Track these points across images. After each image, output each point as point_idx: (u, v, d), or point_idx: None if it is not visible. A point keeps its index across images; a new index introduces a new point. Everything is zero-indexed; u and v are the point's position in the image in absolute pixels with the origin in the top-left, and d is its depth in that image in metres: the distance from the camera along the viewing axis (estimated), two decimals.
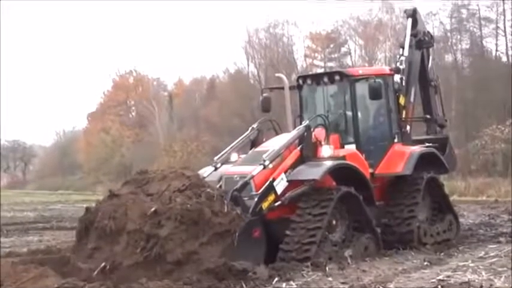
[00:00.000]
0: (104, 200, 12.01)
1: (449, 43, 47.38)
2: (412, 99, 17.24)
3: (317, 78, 15.83)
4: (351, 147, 15.00)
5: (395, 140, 15.92)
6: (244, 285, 10.90)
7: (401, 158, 15.52)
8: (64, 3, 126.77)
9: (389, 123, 15.88)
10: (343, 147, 14.92)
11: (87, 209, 11.96)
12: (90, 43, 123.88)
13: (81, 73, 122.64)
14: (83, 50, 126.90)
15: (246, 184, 12.80)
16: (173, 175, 12.08)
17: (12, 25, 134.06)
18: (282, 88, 16.32)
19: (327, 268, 12.18)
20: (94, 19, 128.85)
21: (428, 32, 18.58)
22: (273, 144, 14.07)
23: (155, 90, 78.04)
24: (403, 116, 16.55)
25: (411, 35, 17.65)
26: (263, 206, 12.74)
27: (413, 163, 15.41)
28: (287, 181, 13.20)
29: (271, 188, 12.96)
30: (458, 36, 47.74)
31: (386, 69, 16.69)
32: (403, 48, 17.46)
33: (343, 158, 14.22)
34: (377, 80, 14.87)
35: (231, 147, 14.67)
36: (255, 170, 13.07)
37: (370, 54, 51.28)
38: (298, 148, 13.92)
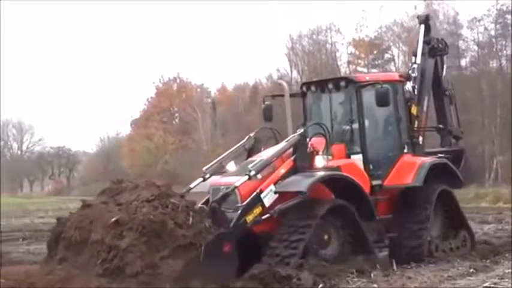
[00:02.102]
0: (77, 210, 11.68)
1: (494, 49, 46.43)
2: (425, 108, 16.48)
3: (322, 85, 15.09)
4: (358, 158, 14.27)
5: (405, 151, 15.09)
6: None
7: (411, 169, 14.67)
8: (109, 10, 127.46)
9: (399, 132, 15.07)
10: (349, 157, 14.24)
11: (58, 220, 11.70)
12: (134, 49, 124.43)
13: (125, 80, 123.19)
14: (127, 56, 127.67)
15: (226, 195, 12.13)
16: (144, 185, 11.57)
17: (58, 28, 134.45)
18: (293, 96, 15.82)
19: (372, 275, 12.19)
20: (138, 25, 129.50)
21: (442, 39, 17.80)
22: (267, 153, 13.43)
23: (199, 97, 78.12)
24: (415, 126, 15.77)
25: (424, 42, 16.93)
26: (247, 219, 12.10)
27: (424, 174, 14.55)
28: (274, 192, 12.50)
29: (257, 200, 12.31)
30: (504, 42, 46.54)
31: (396, 75, 15.99)
32: (416, 55, 16.78)
33: (338, 168, 13.50)
34: (384, 85, 14.01)
35: (222, 157, 13.98)
36: (239, 180, 12.42)
37: (411, 60, 50.62)
38: (292, 158, 13.24)
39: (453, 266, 13.41)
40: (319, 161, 13.42)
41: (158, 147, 76.13)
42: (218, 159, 13.89)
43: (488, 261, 13.94)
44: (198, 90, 79.92)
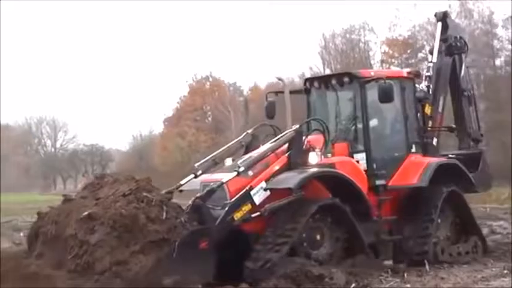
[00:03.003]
0: (59, 205, 11.39)
1: None
2: (440, 109, 15.96)
3: (325, 81, 14.66)
4: (361, 157, 13.79)
5: (413, 150, 14.52)
6: None
7: (418, 169, 14.12)
8: (143, 8, 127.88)
9: (406, 131, 14.49)
10: (352, 156, 13.76)
11: (39, 214, 11.36)
12: (168, 47, 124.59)
13: (158, 77, 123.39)
14: (161, 54, 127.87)
15: (212, 192, 11.69)
16: (123, 179, 11.27)
17: (92, 26, 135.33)
18: (290, 92, 15.56)
19: (405, 275, 12.29)
20: (172, 23, 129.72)
21: (461, 37, 16.91)
22: (260, 150, 13.07)
23: (231, 96, 77.93)
24: (429, 126, 15.30)
25: (441, 40, 16.33)
26: (235, 217, 11.69)
27: (430, 174, 13.98)
28: (264, 189, 12.09)
29: (247, 197, 11.91)
30: None
31: (404, 71, 15.33)
32: (432, 54, 16.30)
33: (332, 166, 13.01)
34: (388, 81, 13.43)
35: (216, 154, 13.42)
36: (226, 176, 12.05)
37: None
38: (286, 154, 12.82)
39: (487, 267, 13.34)
40: (313, 157, 13.00)
41: (190, 145, 75.98)
42: (211, 155, 13.34)
43: None
44: (231, 88, 79.84)
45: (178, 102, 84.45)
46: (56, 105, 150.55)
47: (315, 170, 12.76)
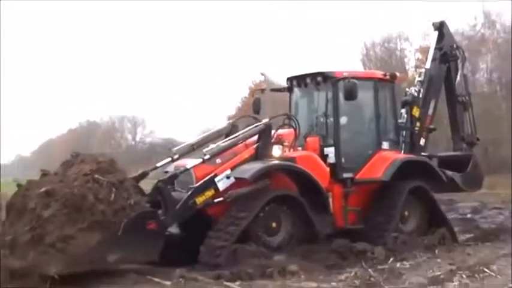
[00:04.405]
0: (36, 179, 10.99)
1: None
2: (430, 112, 15.18)
3: (303, 80, 14.07)
4: (330, 151, 13.23)
5: (385, 147, 13.87)
6: (363, 264, 11.04)
7: (384, 164, 13.45)
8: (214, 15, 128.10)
9: (378, 129, 13.84)
10: (322, 149, 13.21)
11: (18, 186, 10.84)
12: (232, 52, 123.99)
13: (224, 79, 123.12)
14: (228, 57, 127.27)
15: (175, 176, 11.43)
16: (89, 159, 10.77)
17: (163, 28, 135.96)
18: (278, 90, 15.11)
19: (436, 251, 12.50)
20: (240, 27, 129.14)
21: (458, 46, 16.27)
22: (229, 140, 12.50)
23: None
24: (417, 127, 14.61)
25: (436, 48, 15.59)
26: (197, 201, 11.25)
27: (393, 170, 13.31)
28: (227, 177, 11.61)
29: (210, 183, 11.46)
30: None
31: (379, 73, 14.47)
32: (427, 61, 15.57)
33: (293, 159, 12.43)
34: (352, 80, 12.84)
35: (196, 141, 12.66)
36: (191, 163, 11.71)
37: (473, 65, 49.17)
38: (254, 146, 12.33)
39: (506, 245, 13.41)
40: (276, 150, 12.45)
41: None
42: (189, 142, 12.76)
43: None
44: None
45: (240, 102, 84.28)
46: (136, 104, 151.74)
47: (273, 163, 12.21)
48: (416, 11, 67.62)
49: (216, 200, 11.50)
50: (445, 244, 13.70)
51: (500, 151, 41.75)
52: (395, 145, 14.23)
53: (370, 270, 10.48)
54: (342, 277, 10.11)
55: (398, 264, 11.05)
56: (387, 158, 13.64)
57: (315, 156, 12.93)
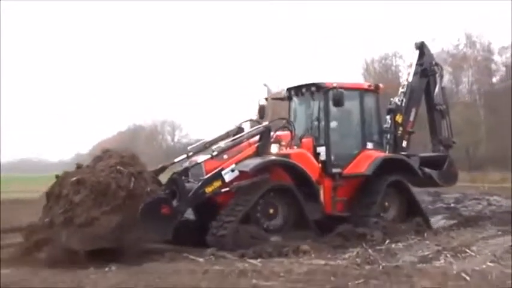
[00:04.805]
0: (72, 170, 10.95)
1: None
2: (411, 118, 14.88)
3: (300, 89, 13.88)
4: (322, 150, 13.01)
5: (369, 147, 13.61)
6: (364, 245, 10.95)
7: (367, 161, 13.24)
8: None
9: (363, 131, 13.61)
10: (315, 149, 12.99)
11: (56, 177, 10.79)
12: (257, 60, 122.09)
13: (247, 85, 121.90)
14: (252, 66, 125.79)
15: (187, 169, 11.40)
16: (115, 154, 10.75)
17: (200, 35, 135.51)
18: (279, 99, 14.88)
19: (425, 234, 12.45)
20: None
21: (436, 63, 15.81)
22: (234, 139, 12.28)
23: None
24: (399, 131, 14.41)
25: (417, 64, 15.22)
26: (206, 190, 11.11)
27: (375, 166, 13.09)
28: (232, 171, 11.42)
29: (218, 176, 11.29)
30: None
31: (365, 84, 14.22)
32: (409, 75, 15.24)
33: (288, 156, 12.27)
34: (340, 90, 12.66)
35: (208, 140, 12.35)
36: (201, 158, 11.61)
37: (456, 78, 49.00)
38: (256, 145, 12.15)
39: (486, 230, 13.34)
40: (273, 148, 12.32)
41: None
42: (203, 141, 12.56)
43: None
44: None
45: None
46: (174, 110, 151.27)
47: (271, 158, 12.03)
48: (409, 32, 67.13)
49: (222, 190, 11.34)
50: (421, 231, 13.23)
51: (479, 151, 41.93)
52: (378, 145, 13.97)
53: (369, 250, 10.43)
54: (346, 256, 10.01)
55: (393, 246, 11.01)
56: (370, 156, 13.41)
57: (307, 154, 12.73)
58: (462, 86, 47.31)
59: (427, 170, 14.73)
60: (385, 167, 13.33)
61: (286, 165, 12.13)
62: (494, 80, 47.14)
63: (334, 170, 13.04)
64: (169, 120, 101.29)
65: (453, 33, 62.76)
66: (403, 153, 14.44)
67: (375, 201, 12.98)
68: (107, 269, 9.24)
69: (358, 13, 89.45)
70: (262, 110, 14.55)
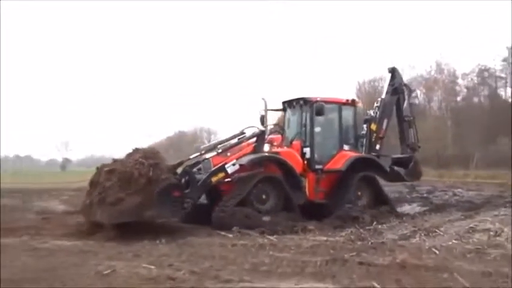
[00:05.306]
0: (109, 163, 11.14)
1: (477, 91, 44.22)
2: (383, 127, 14.75)
3: (291, 103, 13.92)
4: (308, 150, 13.03)
5: (346, 148, 13.62)
6: (357, 226, 10.96)
7: (343, 159, 13.23)
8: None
9: (340, 136, 13.63)
10: (302, 149, 13.04)
11: (96, 168, 11.00)
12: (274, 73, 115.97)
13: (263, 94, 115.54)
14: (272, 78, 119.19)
15: (197, 163, 11.51)
16: (141, 151, 10.83)
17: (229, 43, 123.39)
18: (276, 110, 14.68)
19: (404, 218, 12.40)
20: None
21: (406, 84, 15.75)
22: (235, 140, 12.40)
23: None
24: (373, 137, 14.37)
25: (389, 85, 15.13)
26: (212, 180, 11.22)
27: (349, 163, 13.07)
28: (233, 164, 11.49)
29: (222, 169, 11.37)
30: (481, 87, 44.54)
31: (344, 99, 14.06)
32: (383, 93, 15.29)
33: (277, 153, 12.33)
34: (321, 103, 12.83)
35: (218, 141, 12.61)
36: (209, 155, 11.72)
37: (428, 97, 48.89)
38: (253, 145, 12.22)
39: (451, 214, 13.20)
40: (266, 148, 12.48)
41: None
42: (213, 142, 12.76)
43: (473, 212, 13.50)
44: None
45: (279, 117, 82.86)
46: (210, 117, 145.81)
47: (264, 155, 12.17)
48: (393, 60, 66.97)
49: (226, 180, 11.49)
50: (386, 216, 13.04)
51: (446, 153, 42.70)
52: (353, 148, 13.97)
53: (361, 230, 10.54)
54: (343, 234, 10.16)
55: (379, 226, 11.03)
56: (346, 156, 13.43)
57: (294, 152, 12.80)
58: (433, 103, 47.57)
59: (396, 168, 14.69)
60: (358, 164, 13.31)
61: (276, 161, 12.23)
62: (458, 98, 47.25)
63: (317, 166, 13.07)
64: (206, 128, 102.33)
65: (426, 61, 63.20)
66: (375, 154, 14.41)
67: (348, 191, 12.99)
68: (157, 241, 9.36)
69: (352, 42, 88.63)
70: (262, 119, 14.53)
